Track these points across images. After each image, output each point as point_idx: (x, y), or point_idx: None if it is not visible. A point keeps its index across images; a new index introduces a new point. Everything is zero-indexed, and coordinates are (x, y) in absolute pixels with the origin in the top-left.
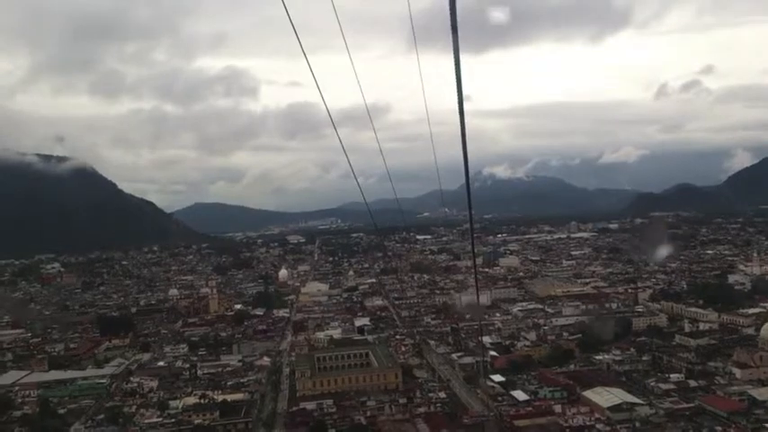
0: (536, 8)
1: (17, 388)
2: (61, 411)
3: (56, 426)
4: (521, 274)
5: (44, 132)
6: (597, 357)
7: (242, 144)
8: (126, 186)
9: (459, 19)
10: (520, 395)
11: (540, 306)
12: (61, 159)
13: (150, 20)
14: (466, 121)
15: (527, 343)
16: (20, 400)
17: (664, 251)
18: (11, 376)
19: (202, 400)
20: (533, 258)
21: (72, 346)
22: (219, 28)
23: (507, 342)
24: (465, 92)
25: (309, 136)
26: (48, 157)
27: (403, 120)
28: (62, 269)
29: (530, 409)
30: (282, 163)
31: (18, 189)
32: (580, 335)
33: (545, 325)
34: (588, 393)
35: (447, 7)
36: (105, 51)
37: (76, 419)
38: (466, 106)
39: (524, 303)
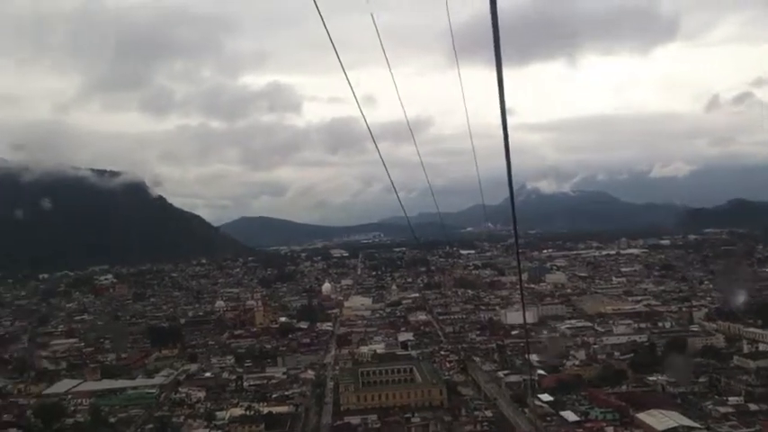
0: (580, 20)
1: (70, 396)
2: (112, 420)
3: None
4: (568, 290)
5: (97, 148)
6: (651, 378)
7: (286, 159)
8: (175, 201)
9: (501, 31)
10: (569, 416)
11: (590, 324)
12: (114, 174)
13: (196, 38)
14: (509, 134)
15: (576, 362)
16: (72, 408)
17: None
18: (64, 384)
19: (248, 412)
20: (581, 275)
21: (123, 355)
22: (263, 45)
23: (555, 361)
24: (508, 105)
25: (352, 150)
26: (101, 172)
27: (445, 134)
28: (115, 280)
29: (580, 430)
30: (325, 177)
31: (73, 203)
32: (632, 354)
33: (595, 343)
34: (642, 416)
35: (489, 20)
36: (154, 69)
37: (126, 428)
38: (509, 120)
39: (573, 321)
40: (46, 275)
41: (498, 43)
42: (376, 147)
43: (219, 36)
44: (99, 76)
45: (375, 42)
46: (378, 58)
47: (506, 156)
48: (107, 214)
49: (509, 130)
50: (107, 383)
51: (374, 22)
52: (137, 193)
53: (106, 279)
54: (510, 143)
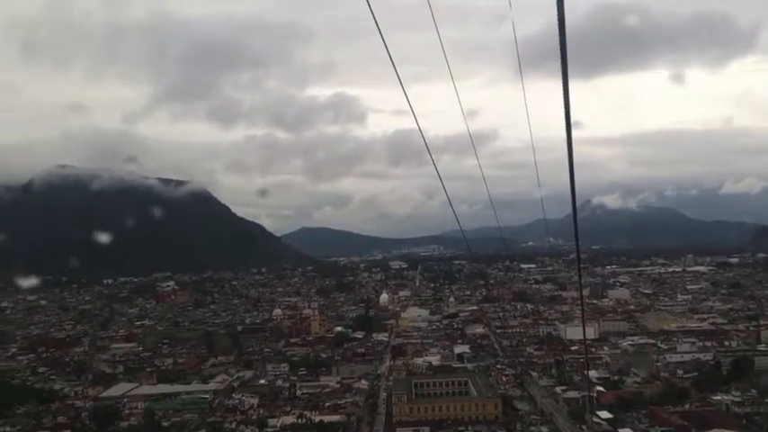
0: (651, 31)
1: (125, 400)
2: (165, 424)
3: None
4: (631, 306)
5: (164, 157)
6: (715, 398)
7: (349, 170)
8: (239, 210)
9: (568, 43)
10: None
11: (653, 341)
12: (179, 183)
13: (265, 48)
14: (575, 148)
15: (637, 379)
16: (127, 412)
17: None
18: (121, 388)
19: (300, 420)
20: (645, 291)
21: (180, 361)
22: (331, 56)
23: (615, 377)
24: (574, 118)
25: (414, 162)
26: (167, 181)
27: (509, 147)
28: (176, 287)
29: None
30: (387, 189)
31: (140, 211)
32: (696, 373)
33: (657, 361)
34: None
35: (555, 31)
36: (222, 79)
37: None
38: (575, 133)
39: (635, 337)
40: (110, 281)
41: (565, 55)
42: (432, 159)
43: (288, 46)
44: (168, 86)
45: (442, 56)
46: (444, 71)
47: (570, 169)
48: (172, 223)
49: (574, 143)
50: (162, 388)
51: (439, 36)
52: (201, 202)
53: (168, 286)
54: (575, 157)
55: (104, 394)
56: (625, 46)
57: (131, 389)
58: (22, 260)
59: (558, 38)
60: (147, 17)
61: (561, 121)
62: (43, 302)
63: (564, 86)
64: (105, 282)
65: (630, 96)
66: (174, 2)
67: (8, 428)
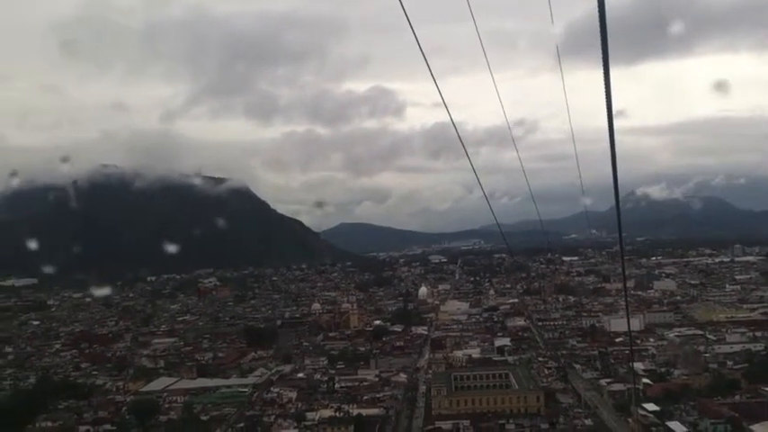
0: (696, 14)
1: (165, 394)
2: (204, 418)
3: (198, 430)
4: (678, 297)
5: (204, 154)
6: (766, 389)
7: (387, 165)
8: (278, 207)
9: (608, 28)
10: (677, 427)
11: (701, 332)
12: (219, 180)
13: (300, 44)
14: (618, 138)
15: (685, 371)
16: (167, 406)
17: None
18: (161, 382)
19: (338, 414)
20: (692, 282)
21: (220, 355)
22: (366, 50)
23: (662, 369)
24: (617, 107)
25: (453, 156)
26: (208, 179)
27: (550, 138)
28: (218, 283)
29: None
30: (427, 183)
31: (181, 208)
32: (746, 364)
33: (706, 352)
34: (757, 427)
35: (595, 18)
36: (259, 75)
37: (218, 426)
38: (618, 122)
39: (682, 329)
40: (153, 278)
41: (606, 41)
42: (466, 153)
43: (324, 41)
44: (206, 83)
45: (480, 47)
46: (483, 62)
47: (612, 159)
48: (213, 220)
49: (617, 133)
50: (202, 382)
51: (476, 28)
52: (241, 199)
53: (210, 282)
54: (618, 147)
55: (145, 389)
56: (668, 30)
57: (171, 383)
58: (67, 259)
59: (598, 24)
60: (184, 14)
61: (603, 111)
62: (88, 300)
63: (605, 74)
64: (149, 279)
65: (675, 83)
66: None
67: (50, 423)
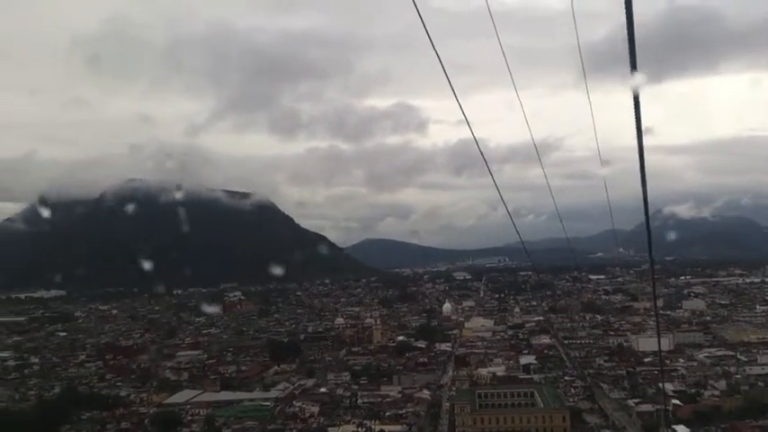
0: (723, 33)
1: (188, 406)
2: (226, 431)
3: None
4: (707, 318)
5: (229, 169)
6: None
7: (410, 181)
8: (302, 222)
9: (636, 44)
10: None
11: (731, 353)
12: (244, 195)
13: (323, 60)
14: (645, 156)
15: (715, 392)
16: (189, 418)
17: None
18: (184, 395)
19: (360, 429)
20: (722, 302)
21: (243, 368)
22: (389, 66)
23: (692, 390)
24: (643, 124)
25: (476, 173)
26: (233, 193)
27: (576, 156)
28: (242, 297)
29: None
30: (450, 200)
31: (207, 223)
32: None
33: (737, 373)
34: None
35: (619, 36)
36: (282, 90)
37: None
38: (645, 140)
39: (712, 349)
40: (180, 291)
41: (634, 59)
42: (489, 170)
43: (347, 56)
44: (230, 98)
45: (504, 63)
46: (507, 79)
47: (642, 178)
48: (238, 234)
49: (645, 151)
50: (225, 395)
51: (500, 45)
52: (266, 213)
53: (234, 296)
54: (646, 165)
55: (168, 401)
56: (695, 48)
57: (195, 396)
58: (94, 271)
59: (626, 41)
60: (208, 30)
61: (628, 128)
62: (114, 312)
63: (634, 92)
64: (175, 292)
65: (701, 101)
66: (234, 14)
67: None
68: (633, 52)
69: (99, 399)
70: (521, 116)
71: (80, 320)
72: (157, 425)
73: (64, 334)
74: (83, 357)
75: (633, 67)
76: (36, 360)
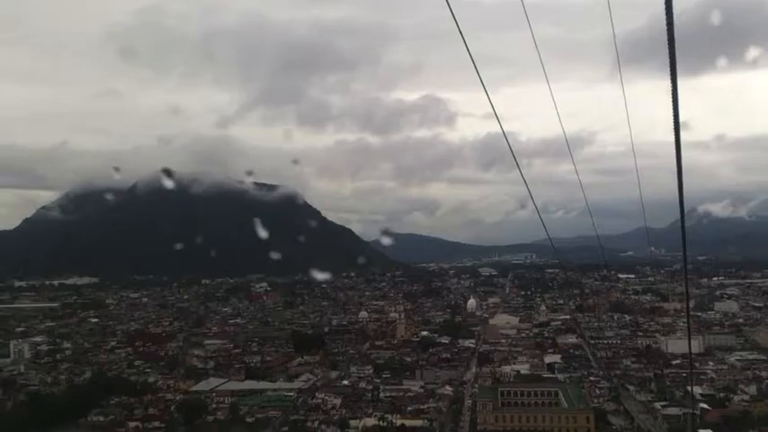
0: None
1: (214, 394)
2: (249, 420)
3: None
4: (740, 320)
5: (258, 161)
6: None
7: (438, 175)
8: (329, 214)
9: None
10: None
11: (764, 357)
12: (272, 187)
13: (351, 52)
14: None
15: (745, 397)
16: (214, 406)
17: None
18: (210, 383)
19: (381, 423)
20: (756, 305)
21: (268, 358)
22: (418, 59)
23: (722, 394)
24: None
25: (505, 167)
26: (260, 185)
27: (608, 151)
28: (268, 288)
29: None
30: (478, 195)
31: (236, 214)
32: None
33: None
34: None
35: (656, 26)
36: (310, 83)
37: (263, 428)
38: (682, 136)
39: (744, 353)
40: (208, 281)
41: (673, 52)
42: (517, 165)
43: (376, 49)
44: (259, 90)
45: (536, 56)
46: (538, 72)
47: (678, 174)
48: (266, 226)
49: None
50: (249, 384)
51: (533, 35)
52: (293, 206)
53: (261, 287)
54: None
55: (194, 388)
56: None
57: (220, 384)
58: (126, 260)
59: (664, 32)
60: (238, 22)
61: (663, 123)
62: (145, 300)
63: (672, 86)
64: (203, 282)
65: (741, 96)
66: (264, 6)
67: (101, 418)
68: (672, 44)
69: (128, 384)
70: (553, 110)
71: (111, 307)
72: (183, 411)
73: (95, 320)
74: (113, 344)
75: (672, 59)
76: (68, 345)
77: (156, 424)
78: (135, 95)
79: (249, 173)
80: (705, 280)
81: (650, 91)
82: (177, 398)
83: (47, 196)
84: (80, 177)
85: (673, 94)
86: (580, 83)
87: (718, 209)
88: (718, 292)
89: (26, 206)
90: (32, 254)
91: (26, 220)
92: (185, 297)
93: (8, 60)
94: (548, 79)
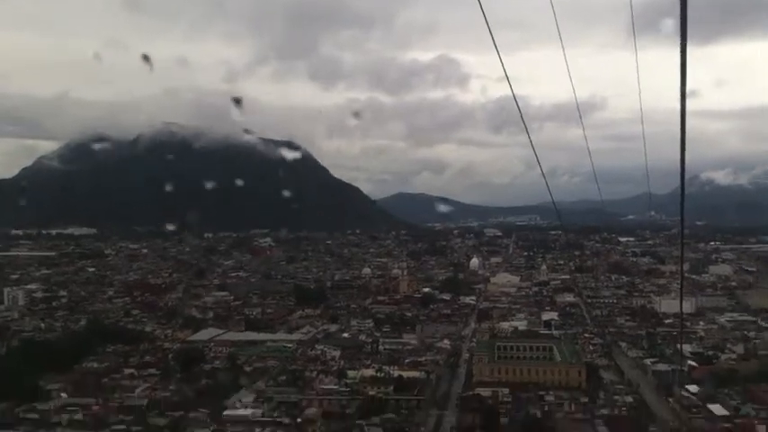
0: None
1: (212, 344)
2: (247, 369)
3: (240, 380)
4: (733, 283)
5: (266, 117)
6: None
7: (448, 136)
8: (336, 172)
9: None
10: (718, 410)
11: (753, 318)
12: (279, 143)
13: (366, 8)
14: (688, 121)
15: (733, 356)
16: (212, 355)
17: None
18: (209, 333)
19: (379, 374)
20: (749, 269)
21: (268, 311)
22: (433, 18)
23: (710, 353)
24: (689, 88)
25: (515, 130)
26: (269, 141)
27: (618, 118)
28: (272, 243)
29: (728, 425)
30: (487, 157)
31: (240, 169)
32: None
33: (756, 338)
34: None
35: None
36: (322, 39)
37: (260, 377)
38: (689, 104)
39: (734, 314)
40: (210, 235)
41: (685, 17)
42: (525, 128)
43: (390, 6)
44: (269, 44)
45: (552, 20)
46: (553, 36)
47: (681, 143)
48: (271, 182)
49: (688, 116)
50: (249, 335)
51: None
52: (301, 162)
53: (265, 242)
54: (687, 130)
55: (192, 338)
56: (745, 11)
57: (218, 334)
58: (127, 211)
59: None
60: None
61: (674, 91)
62: (144, 251)
63: (681, 53)
64: (206, 235)
65: (749, 66)
66: None
67: (95, 365)
68: (684, 11)
69: (124, 333)
70: (566, 75)
71: (110, 258)
72: (180, 360)
73: (93, 270)
74: (110, 293)
75: (683, 26)
76: (64, 293)
77: (152, 371)
78: (140, 46)
79: (251, 130)
80: (702, 244)
81: (663, 58)
82: (174, 347)
83: (47, 146)
84: (81, 128)
85: (681, 61)
86: (595, 48)
87: (721, 176)
88: (713, 257)
89: (25, 155)
90: (30, 203)
91: (25, 169)
92: (186, 250)
93: (11, 8)
94: (562, 44)
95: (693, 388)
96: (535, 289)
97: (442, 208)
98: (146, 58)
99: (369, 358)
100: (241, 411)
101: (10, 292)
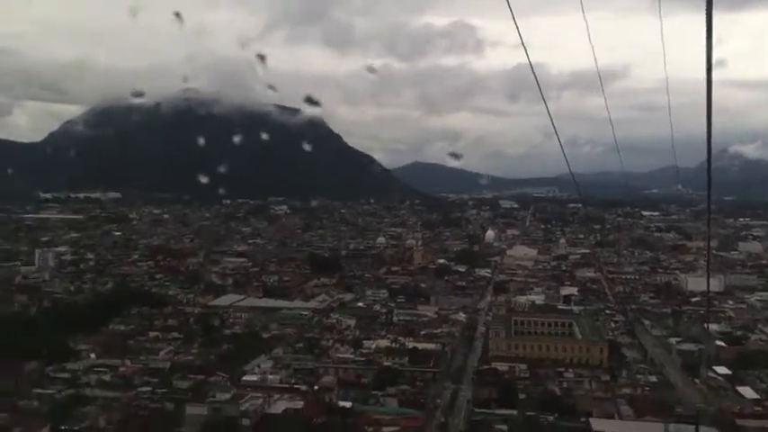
0: None
1: (231, 309)
2: (265, 335)
3: (258, 346)
4: (763, 261)
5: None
6: None
7: (464, 105)
8: (351, 140)
9: None
10: (747, 392)
11: None
12: (294, 111)
13: None
14: (715, 91)
15: (763, 336)
16: (231, 320)
17: None
18: (229, 298)
19: (394, 345)
20: None
21: (285, 278)
22: None
23: (739, 333)
24: (717, 56)
25: (533, 99)
26: (283, 109)
27: (641, 87)
28: (288, 211)
29: (758, 408)
30: (504, 127)
31: (259, 136)
32: None
33: None
34: None
35: None
36: (336, 3)
37: (278, 344)
38: (717, 74)
39: (765, 293)
40: (228, 201)
41: None
42: (542, 97)
43: None
44: (283, 9)
45: None
46: (576, 0)
47: (708, 113)
48: (287, 150)
49: (716, 85)
50: (266, 302)
51: None
52: (316, 130)
53: (281, 209)
54: (714, 101)
55: (213, 303)
56: None
57: (238, 300)
58: (150, 177)
59: None
60: None
61: (702, 60)
62: (166, 216)
63: (708, 19)
64: (224, 202)
65: None
66: None
67: (122, 327)
68: None
69: (149, 296)
70: (586, 41)
71: (134, 222)
72: (201, 324)
73: (118, 233)
74: (135, 257)
75: None
76: (91, 256)
77: (175, 334)
78: (157, 13)
79: (274, 86)
80: (731, 220)
81: (690, 24)
82: (196, 311)
83: (72, 110)
84: (105, 93)
85: (708, 28)
86: (617, 13)
87: (750, 150)
88: (743, 233)
89: (52, 119)
90: (58, 166)
91: (52, 134)
92: (206, 216)
93: None
94: (582, 7)
95: (721, 369)
96: (554, 263)
97: (457, 178)
98: (177, 15)
99: (383, 329)
100: (259, 377)
101: (41, 255)
